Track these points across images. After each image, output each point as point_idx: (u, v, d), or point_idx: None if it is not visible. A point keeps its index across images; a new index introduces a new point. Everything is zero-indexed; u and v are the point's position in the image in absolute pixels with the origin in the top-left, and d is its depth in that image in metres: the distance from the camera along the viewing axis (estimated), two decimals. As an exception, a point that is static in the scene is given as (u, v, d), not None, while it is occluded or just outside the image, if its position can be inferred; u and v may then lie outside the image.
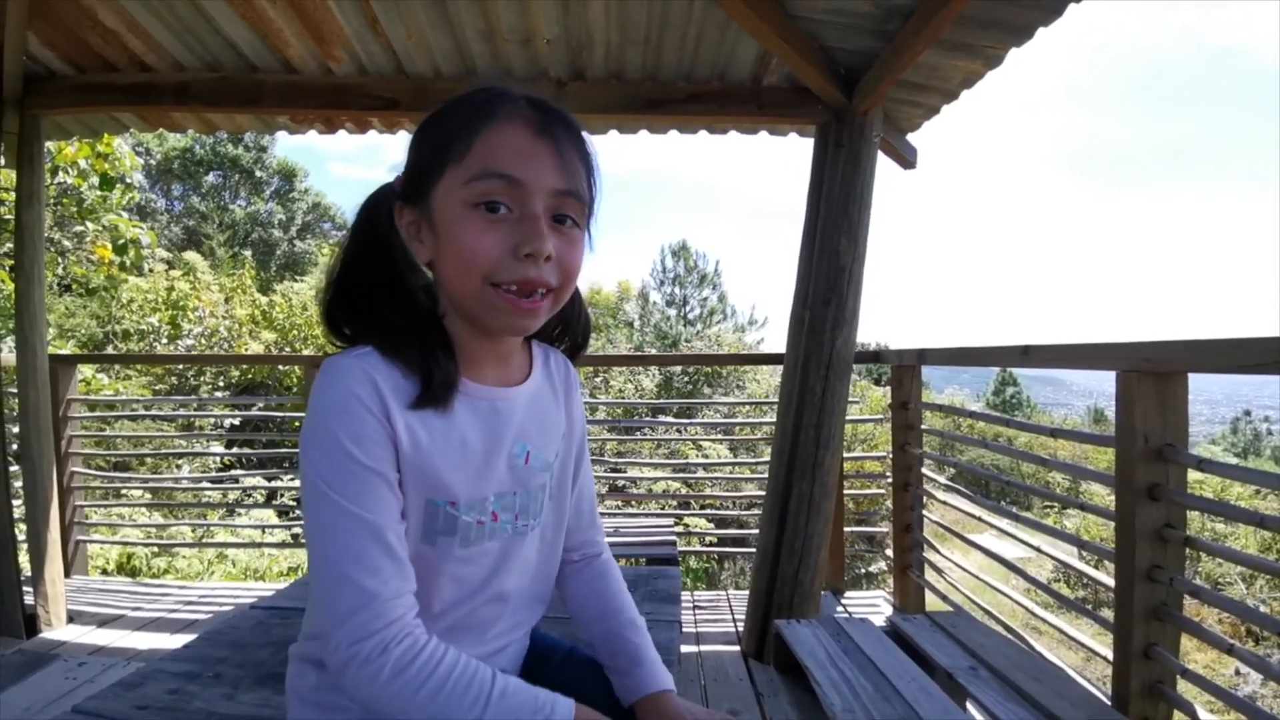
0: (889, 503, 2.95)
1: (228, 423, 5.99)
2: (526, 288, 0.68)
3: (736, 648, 2.55)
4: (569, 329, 0.87)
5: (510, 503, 0.77)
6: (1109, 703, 1.47)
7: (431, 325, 0.73)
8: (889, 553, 2.94)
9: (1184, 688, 1.45)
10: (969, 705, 1.50)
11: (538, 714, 0.65)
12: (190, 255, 11.34)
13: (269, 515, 5.18)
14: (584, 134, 0.72)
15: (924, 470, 2.72)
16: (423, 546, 0.71)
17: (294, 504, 5.50)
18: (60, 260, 6.60)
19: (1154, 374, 1.37)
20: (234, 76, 2.56)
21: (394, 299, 0.73)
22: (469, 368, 0.74)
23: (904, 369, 2.73)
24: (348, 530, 0.64)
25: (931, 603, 2.76)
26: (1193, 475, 1.45)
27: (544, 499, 0.81)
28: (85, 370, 5.56)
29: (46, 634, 2.55)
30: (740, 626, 2.67)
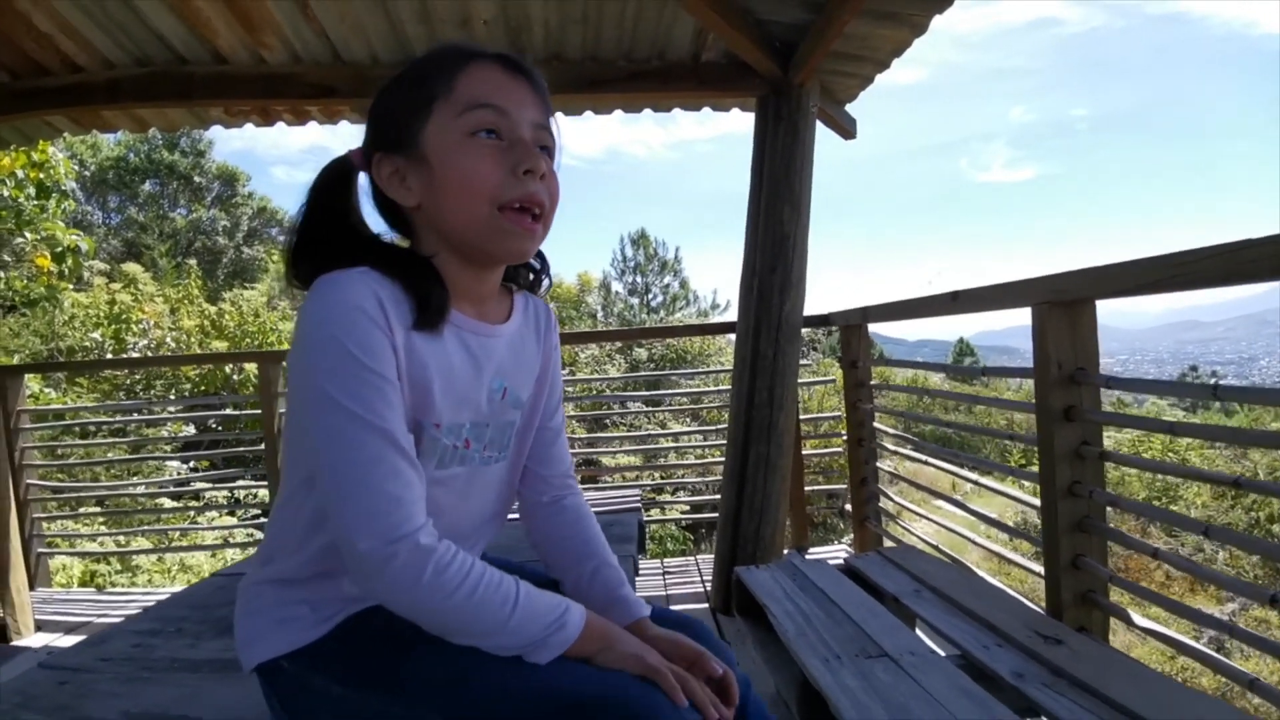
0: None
1: (183, 433, 5.85)
2: (529, 202, 0.73)
3: (705, 605, 2.64)
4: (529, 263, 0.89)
5: (482, 433, 0.80)
6: (1045, 613, 1.59)
7: (422, 260, 0.75)
8: (848, 508, 3.05)
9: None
10: (917, 627, 1.60)
11: (555, 611, 0.68)
12: (130, 266, 10.94)
13: (231, 522, 5.12)
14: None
15: (876, 425, 2.84)
16: None
17: (256, 508, 5.42)
18: (1, 276, 6.35)
19: (1063, 303, 1.47)
20: (164, 70, 2.52)
21: (367, 244, 0.77)
22: (453, 302, 0.76)
23: (851, 329, 2.83)
24: (362, 437, 0.64)
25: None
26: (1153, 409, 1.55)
27: (511, 435, 0.85)
28: (32, 386, 5.38)
29: (16, 642, 2.60)
30: (709, 586, 2.77)
